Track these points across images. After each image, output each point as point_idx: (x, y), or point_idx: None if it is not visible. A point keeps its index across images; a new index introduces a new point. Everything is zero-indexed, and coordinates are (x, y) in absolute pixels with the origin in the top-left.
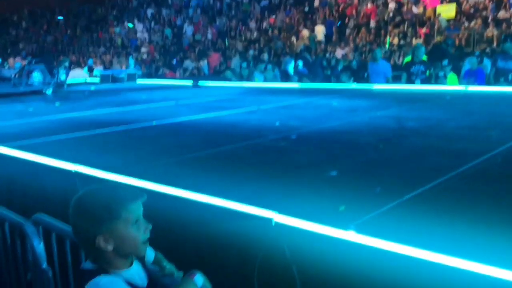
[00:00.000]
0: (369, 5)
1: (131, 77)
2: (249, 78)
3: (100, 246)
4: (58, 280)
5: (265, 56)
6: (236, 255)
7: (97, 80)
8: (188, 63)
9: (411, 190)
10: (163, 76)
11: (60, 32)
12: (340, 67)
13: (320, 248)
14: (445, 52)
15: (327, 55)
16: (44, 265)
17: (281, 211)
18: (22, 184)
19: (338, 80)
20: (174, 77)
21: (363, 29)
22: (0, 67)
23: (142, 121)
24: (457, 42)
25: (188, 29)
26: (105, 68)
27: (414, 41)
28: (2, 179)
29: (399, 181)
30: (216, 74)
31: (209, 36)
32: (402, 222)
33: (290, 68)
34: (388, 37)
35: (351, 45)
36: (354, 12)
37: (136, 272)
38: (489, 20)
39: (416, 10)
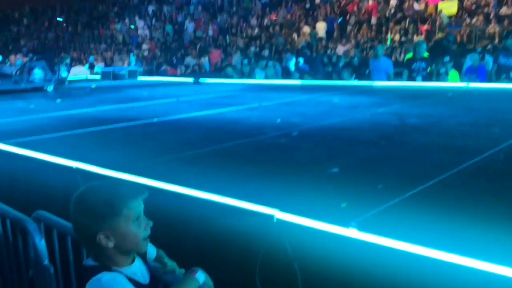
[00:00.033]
0: (370, 2)
1: (132, 74)
2: (250, 75)
3: (101, 243)
4: (60, 277)
5: (266, 52)
6: (238, 252)
7: (98, 77)
8: (189, 60)
9: (412, 187)
10: (164, 73)
11: (61, 29)
12: (341, 64)
13: (321, 245)
14: (447, 48)
15: (328, 51)
16: (46, 262)
17: (282, 208)
18: (23, 180)
19: (339, 77)
20: (175, 74)
21: (364, 26)
22: (1, 64)
23: (143, 118)
24: (458, 38)
25: (189, 25)
26: (106, 65)
27: (415, 38)
28: (3, 176)
29: (400, 178)
30: (217, 71)
31: (210, 32)
32: (404, 219)
33: (291, 65)
34: (389, 34)
35: (353, 41)
36: (355, 8)
37: (138, 269)
38: (491, 16)
39: (417, 6)
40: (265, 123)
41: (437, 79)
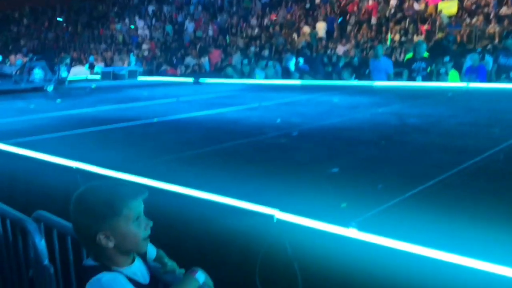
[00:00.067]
0: (370, 2)
1: (132, 74)
2: (250, 75)
3: (101, 243)
4: (60, 277)
5: (266, 52)
6: (238, 252)
7: (98, 77)
8: (189, 60)
9: (412, 187)
10: (164, 73)
11: (61, 29)
12: (341, 64)
13: (321, 245)
14: (447, 48)
15: (328, 51)
16: (46, 261)
17: (282, 208)
18: (23, 180)
19: (339, 77)
20: (175, 74)
21: (364, 26)
22: (1, 64)
23: (143, 118)
24: (458, 38)
25: (189, 25)
26: (106, 65)
27: (415, 38)
28: (4, 176)
29: (400, 178)
30: (217, 71)
31: (210, 32)
32: (404, 219)
33: (291, 65)
34: (389, 34)
35: (352, 41)
36: (355, 8)
37: (138, 269)
38: (491, 16)
39: (417, 6)
40: (265, 123)
41: (437, 79)
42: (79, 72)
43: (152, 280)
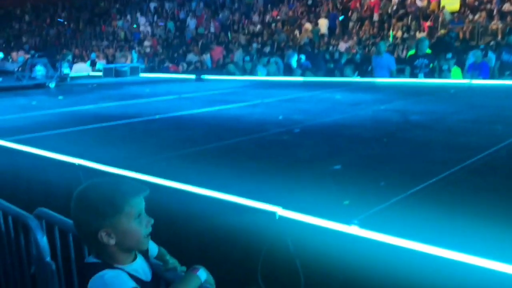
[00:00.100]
0: None
1: (134, 71)
2: (252, 71)
3: (103, 240)
4: (62, 274)
5: (268, 49)
6: (240, 249)
7: (100, 73)
8: (191, 57)
9: (415, 184)
10: (166, 70)
11: (63, 25)
12: (343, 61)
13: (323, 242)
14: (449, 45)
15: (330, 48)
16: (48, 258)
17: (285, 205)
18: (25, 177)
19: (342, 73)
20: (177, 71)
21: (366, 22)
22: (3, 60)
23: (145, 114)
24: (461, 35)
25: (191, 22)
26: (108, 61)
27: (418, 35)
28: (6, 173)
29: (403, 175)
30: (219, 67)
31: (212, 29)
32: (406, 216)
33: (293, 62)
34: (391, 31)
35: (355, 38)
36: (357, 5)
37: (140, 266)
38: (494, 13)
39: (420, 3)
40: (267, 120)
41: (440, 76)
42: (81, 69)
43: (154, 278)
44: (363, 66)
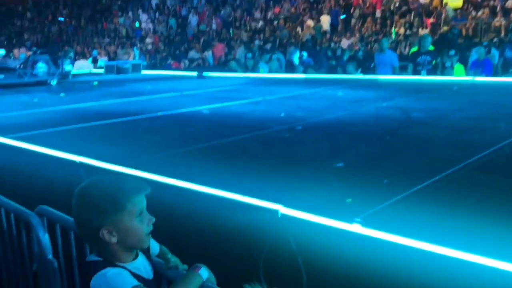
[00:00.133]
0: None
1: (136, 68)
2: (254, 68)
3: (104, 238)
4: (63, 271)
5: (270, 46)
6: (242, 247)
7: (101, 71)
8: (193, 54)
9: (417, 182)
10: (168, 67)
11: (64, 23)
12: (345, 57)
13: (325, 240)
14: (452, 42)
15: (333, 45)
16: (50, 256)
17: (287, 203)
18: (27, 175)
19: (344, 70)
20: (178, 68)
21: (368, 19)
22: (5, 57)
23: (147, 112)
24: (464, 32)
25: (193, 19)
26: (109, 58)
27: (420, 31)
28: (7, 170)
29: (405, 173)
30: (221, 64)
31: (214, 26)
32: (408, 215)
33: (295, 59)
34: (394, 27)
35: (357, 35)
36: (360, 1)
37: (141, 264)
38: (497, 9)
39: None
40: (269, 117)
41: (442, 73)
42: (83, 66)
43: (155, 276)
44: (366, 63)
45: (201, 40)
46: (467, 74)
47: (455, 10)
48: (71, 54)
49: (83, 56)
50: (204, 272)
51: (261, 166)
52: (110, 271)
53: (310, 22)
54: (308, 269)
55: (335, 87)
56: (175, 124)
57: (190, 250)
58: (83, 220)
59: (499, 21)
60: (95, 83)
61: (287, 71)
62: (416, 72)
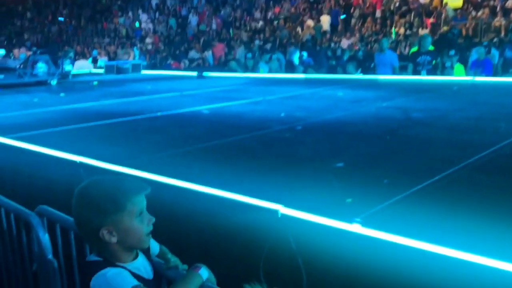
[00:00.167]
0: None
1: (136, 68)
2: (254, 68)
3: (104, 238)
4: (63, 271)
5: (270, 46)
6: (242, 247)
7: (101, 71)
8: (193, 54)
9: (417, 182)
10: (168, 67)
11: (64, 22)
12: (345, 57)
13: (325, 240)
14: (452, 42)
15: (333, 45)
16: (50, 256)
17: (287, 203)
18: (27, 174)
19: (344, 70)
20: (178, 68)
21: (368, 19)
22: (5, 57)
23: (147, 112)
24: (464, 32)
25: (193, 19)
26: (109, 58)
27: (420, 31)
28: (7, 170)
29: (405, 173)
30: (221, 65)
31: (214, 26)
32: (408, 215)
33: (295, 59)
34: (394, 27)
35: (357, 35)
36: (360, 1)
37: (141, 264)
38: (497, 9)
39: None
40: (269, 117)
41: (442, 73)
42: (83, 66)
43: (155, 276)
44: (366, 63)
45: (201, 40)
46: (467, 74)
47: (455, 10)
48: (71, 54)
49: (83, 56)
50: (204, 272)
51: (261, 166)
52: (110, 271)
53: (310, 22)
54: (308, 269)
55: (335, 87)
56: (175, 124)
57: (190, 250)
58: (83, 220)
59: (499, 21)
60: (95, 83)
61: (287, 71)
62: (416, 72)
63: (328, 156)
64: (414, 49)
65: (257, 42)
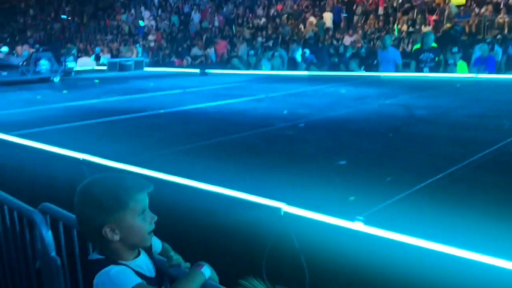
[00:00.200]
0: None
1: (138, 65)
2: (257, 65)
3: (107, 236)
4: (66, 269)
5: (273, 43)
6: (244, 245)
7: (104, 68)
8: (195, 51)
9: (420, 180)
10: (171, 64)
11: (67, 20)
12: (348, 54)
13: (328, 238)
14: (455, 39)
15: (335, 42)
16: (53, 253)
17: (290, 201)
18: (29, 172)
19: (347, 67)
20: (181, 65)
21: (371, 16)
22: (8, 55)
23: (149, 109)
24: (467, 29)
25: (195, 16)
26: (112, 56)
27: (423, 28)
28: (10, 167)
29: (408, 171)
30: (224, 62)
31: (216, 23)
32: (411, 213)
33: (298, 56)
34: (396, 24)
35: (360, 32)
36: None
37: (143, 262)
38: (501, 6)
39: None
40: (271, 114)
41: (445, 70)
42: (85, 63)
43: (157, 274)
44: (368, 60)
45: (204, 37)
46: (470, 71)
47: (458, 7)
48: (74, 51)
49: (86, 53)
50: (206, 270)
51: (264, 164)
52: (113, 269)
53: (312, 19)
54: (311, 267)
55: (338, 84)
56: (178, 121)
57: (192, 248)
58: (86, 218)
59: (502, 18)
60: (96, 81)
61: (289, 68)
62: (419, 69)
63: (331, 154)
64: (417, 46)
65: (259, 39)
